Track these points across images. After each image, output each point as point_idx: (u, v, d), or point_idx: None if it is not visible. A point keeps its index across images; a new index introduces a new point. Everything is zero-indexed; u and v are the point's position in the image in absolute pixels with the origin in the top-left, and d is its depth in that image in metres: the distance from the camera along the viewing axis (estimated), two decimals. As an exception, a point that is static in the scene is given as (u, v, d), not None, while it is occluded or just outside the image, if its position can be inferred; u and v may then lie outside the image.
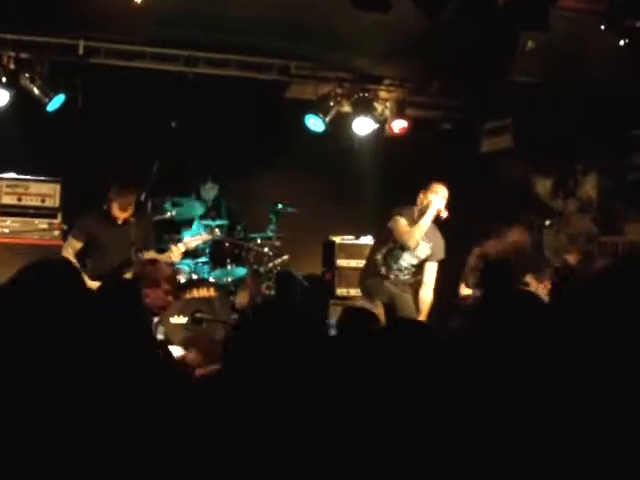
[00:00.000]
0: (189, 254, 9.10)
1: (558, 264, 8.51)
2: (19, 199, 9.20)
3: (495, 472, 2.51)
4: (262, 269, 9.82)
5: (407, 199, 8.31)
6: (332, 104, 9.99)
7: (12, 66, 8.84)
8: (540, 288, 7.57)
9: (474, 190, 9.48)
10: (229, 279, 9.63)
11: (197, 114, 9.77)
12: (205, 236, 8.90)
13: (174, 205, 9.37)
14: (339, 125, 10.19)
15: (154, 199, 9.33)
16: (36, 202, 9.26)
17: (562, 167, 10.12)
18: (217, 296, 8.80)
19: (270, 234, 9.98)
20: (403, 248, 8.09)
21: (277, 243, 9.98)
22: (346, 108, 10.14)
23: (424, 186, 8.17)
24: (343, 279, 10.52)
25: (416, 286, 8.36)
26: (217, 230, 9.40)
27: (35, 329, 2.80)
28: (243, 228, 9.95)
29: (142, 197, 9.03)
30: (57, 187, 9.33)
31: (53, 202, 9.31)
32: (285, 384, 2.78)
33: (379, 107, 10.25)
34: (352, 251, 10.59)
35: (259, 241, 9.92)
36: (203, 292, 8.78)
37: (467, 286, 8.51)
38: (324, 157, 10.41)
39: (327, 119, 9.95)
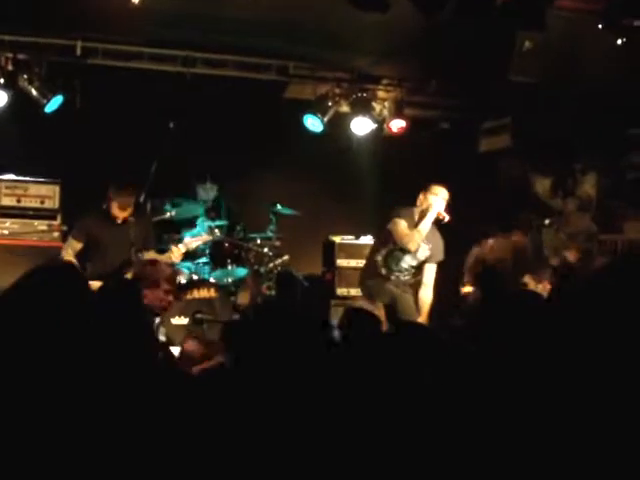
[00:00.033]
0: (189, 255, 9.10)
1: (557, 262, 8.50)
2: (18, 200, 9.20)
3: (496, 472, 2.51)
4: (262, 269, 9.82)
5: (406, 198, 8.31)
6: (330, 104, 9.99)
7: (10, 67, 8.84)
8: (539, 288, 7.57)
9: (472, 190, 9.48)
10: (230, 280, 9.62)
11: (195, 114, 9.76)
12: (205, 237, 8.90)
13: (173, 206, 9.38)
14: (337, 125, 10.19)
15: (153, 200, 9.33)
16: (35, 203, 9.26)
17: (561, 166, 10.13)
18: (218, 297, 8.81)
19: (270, 234, 9.98)
20: (403, 250, 8.10)
21: (277, 243, 9.98)
22: (344, 108, 10.14)
23: (424, 187, 8.17)
24: (343, 279, 10.52)
25: (416, 286, 8.37)
26: (217, 231, 9.39)
27: (40, 332, 2.80)
28: (243, 228, 9.95)
29: (141, 198, 9.04)
30: (56, 188, 9.33)
31: (52, 203, 9.31)
32: (286, 384, 2.79)
33: (377, 107, 10.25)
34: (352, 251, 10.59)
35: (259, 241, 9.91)
36: (204, 293, 8.78)
37: (466, 284, 8.51)
38: (323, 157, 10.41)
39: (325, 119, 9.95)
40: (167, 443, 2.72)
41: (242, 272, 9.70)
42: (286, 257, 9.90)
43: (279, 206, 9.94)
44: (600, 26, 7.56)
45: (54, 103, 8.98)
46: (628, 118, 9.16)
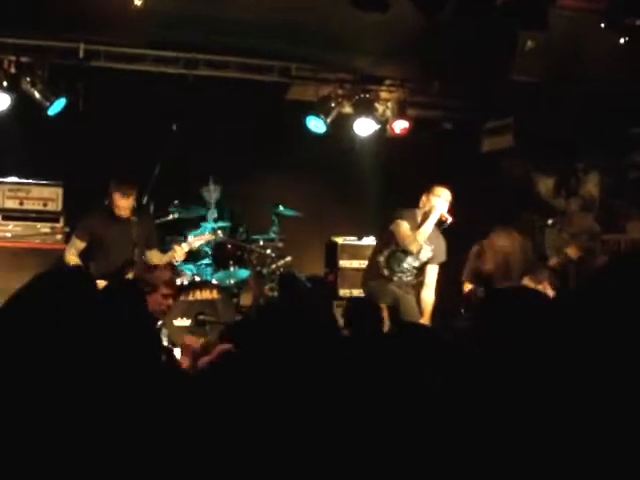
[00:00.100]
0: (192, 256, 9.11)
1: (557, 261, 8.49)
2: (21, 203, 9.21)
3: (500, 473, 2.51)
4: (265, 271, 9.82)
5: (409, 199, 8.30)
6: (333, 105, 9.98)
7: (13, 70, 8.83)
8: (539, 289, 7.55)
9: (475, 190, 9.48)
10: (232, 281, 9.63)
11: (198, 116, 9.76)
12: (208, 236, 8.90)
13: (176, 207, 9.39)
14: (340, 126, 10.18)
15: (156, 201, 9.34)
16: (38, 206, 9.27)
17: (563, 166, 10.12)
18: (220, 298, 8.82)
19: (272, 236, 9.97)
20: (405, 252, 8.09)
21: (280, 245, 9.98)
22: (347, 109, 10.13)
23: (426, 189, 8.15)
24: (346, 280, 10.52)
25: (419, 287, 8.37)
26: (219, 232, 9.39)
27: (51, 335, 2.80)
28: (245, 230, 9.94)
29: (144, 199, 9.05)
30: (59, 191, 9.35)
31: (55, 206, 9.32)
32: (288, 385, 2.78)
33: (380, 108, 10.25)
34: (354, 252, 10.60)
35: (261, 243, 9.92)
36: (206, 294, 8.79)
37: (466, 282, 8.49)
38: (325, 158, 10.41)
39: (328, 120, 9.94)
40: (172, 444, 2.72)
41: (244, 273, 9.70)
42: (289, 258, 9.90)
43: (281, 207, 9.94)
44: (602, 25, 7.55)
45: (57, 106, 8.99)
46: (630, 117, 9.15)
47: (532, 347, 2.60)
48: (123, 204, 7.92)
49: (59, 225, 9.28)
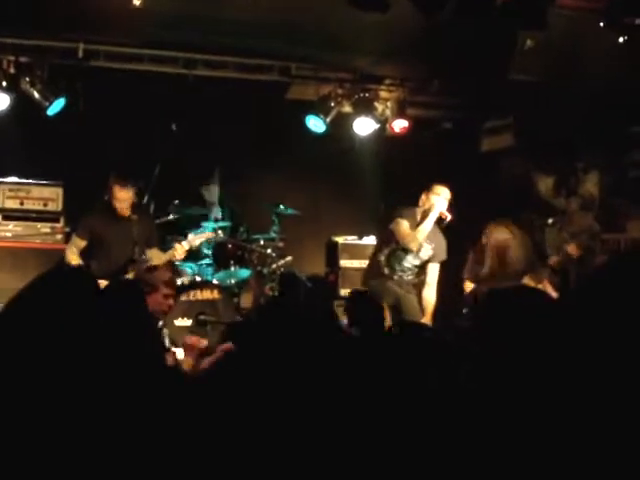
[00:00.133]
0: (193, 254, 9.11)
1: (557, 260, 8.49)
2: (21, 203, 9.22)
3: (499, 473, 2.51)
4: (265, 270, 9.81)
5: (408, 198, 8.32)
6: (333, 104, 9.98)
7: (12, 70, 8.83)
8: (539, 288, 7.55)
9: (475, 189, 9.49)
10: (233, 281, 9.62)
11: (198, 116, 9.77)
12: (209, 234, 8.88)
13: (176, 207, 9.39)
14: (340, 125, 10.18)
15: (156, 201, 9.34)
16: (38, 206, 9.28)
17: (563, 165, 10.12)
18: (221, 298, 8.81)
19: (273, 235, 9.96)
20: (405, 250, 8.10)
21: (280, 244, 9.97)
22: (347, 108, 10.13)
23: (426, 187, 8.17)
24: (347, 279, 10.52)
25: (420, 286, 8.38)
26: (220, 232, 9.39)
27: (55, 335, 2.80)
28: (246, 230, 9.94)
29: (145, 199, 9.05)
30: (59, 191, 9.36)
31: (55, 206, 9.33)
32: (290, 386, 2.78)
33: (380, 107, 10.24)
34: (355, 251, 10.61)
35: (262, 242, 9.90)
36: (207, 294, 8.78)
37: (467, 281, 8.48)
38: (325, 158, 10.42)
39: (328, 120, 9.94)
40: (174, 444, 2.72)
41: (245, 273, 9.70)
42: (289, 258, 9.89)
43: (281, 207, 9.93)
44: (601, 24, 7.55)
45: (56, 106, 8.98)
46: (630, 116, 9.15)
47: (532, 346, 2.60)
48: (122, 195, 7.94)
49: (59, 225, 9.29)
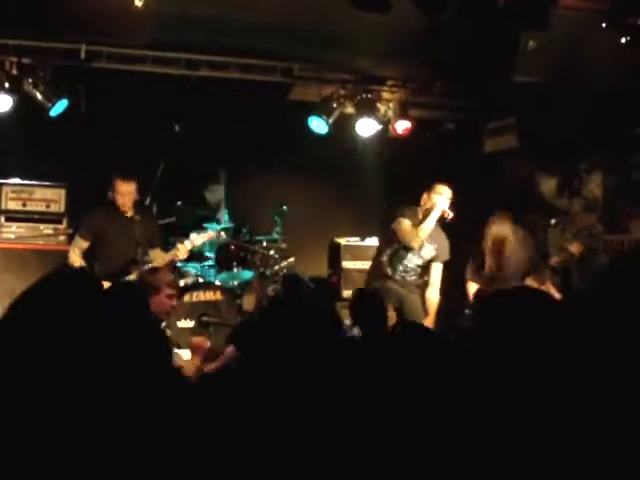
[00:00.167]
0: (195, 255, 9.11)
1: (559, 260, 8.48)
2: (24, 205, 9.23)
3: (499, 473, 2.50)
4: (268, 272, 9.81)
5: (411, 199, 8.33)
6: (335, 106, 9.97)
7: (15, 71, 8.83)
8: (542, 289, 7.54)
9: (477, 190, 9.48)
10: (235, 282, 9.62)
11: (200, 117, 9.78)
12: (211, 233, 8.88)
13: (179, 208, 9.40)
14: (342, 126, 10.17)
15: (159, 202, 9.35)
16: (41, 207, 9.29)
17: (566, 166, 10.11)
18: (223, 299, 8.82)
19: (276, 237, 9.96)
20: (407, 249, 8.11)
21: (283, 245, 9.96)
22: (349, 109, 10.12)
23: (427, 187, 8.19)
24: (349, 281, 10.52)
25: (423, 287, 8.39)
26: (222, 233, 9.39)
27: (59, 336, 2.80)
28: (248, 231, 9.93)
29: (147, 200, 9.06)
30: (62, 192, 9.37)
31: (58, 207, 9.34)
32: (292, 389, 2.78)
33: (382, 108, 10.23)
34: (358, 253, 10.60)
35: (265, 244, 9.90)
36: (209, 295, 8.79)
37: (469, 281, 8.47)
38: (328, 159, 10.41)
39: (330, 121, 9.93)
40: (175, 447, 2.72)
41: (248, 275, 9.70)
42: (292, 259, 9.89)
43: (284, 207, 9.91)
44: (604, 25, 7.55)
45: (59, 107, 8.98)
46: (633, 117, 9.14)
47: (535, 347, 2.60)
48: (124, 189, 8.00)
49: (62, 226, 9.30)
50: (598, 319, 2.53)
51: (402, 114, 10.18)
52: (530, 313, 2.67)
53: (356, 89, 10.07)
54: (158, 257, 8.09)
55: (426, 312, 8.23)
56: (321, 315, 3.10)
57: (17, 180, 9.32)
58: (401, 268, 8.21)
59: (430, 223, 8.04)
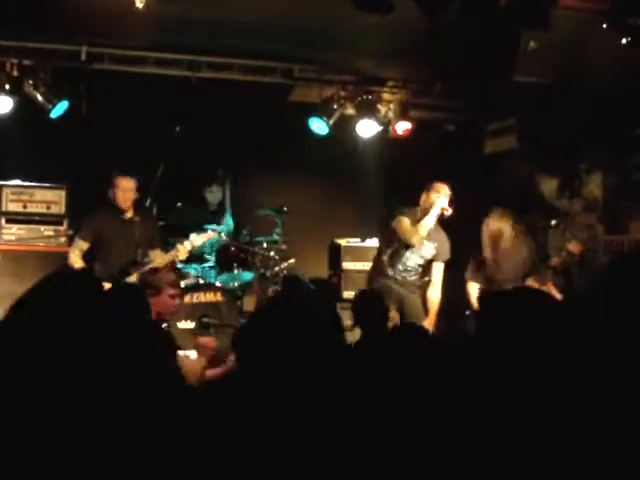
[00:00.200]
0: (195, 255, 9.10)
1: (559, 260, 8.47)
2: (24, 206, 9.23)
3: (499, 473, 2.50)
4: (269, 273, 9.79)
5: (411, 200, 8.33)
6: (336, 107, 9.98)
7: (15, 73, 8.83)
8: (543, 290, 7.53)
9: (478, 191, 9.48)
10: (236, 284, 9.61)
11: (201, 118, 9.78)
12: (211, 233, 8.85)
13: (179, 209, 9.39)
14: (343, 127, 10.17)
15: (159, 203, 9.34)
16: (41, 209, 9.29)
17: (567, 167, 10.11)
18: (224, 301, 8.81)
19: (276, 238, 9.96)
20: (407, 247, 8.12)
21: (283, 247, 9.96)
22: (350, 110, 10.12)
23: (426, 187, 8.20)
24: (350, 282, 10.51)
25: (424, 288, 8.39)
26: (223, 234, 9.39)
27: (56, 339, 2.80)
28: (249, 232, 9.93)
29: (147, 201, 9.06)
30: (62, 194, 9.36)
31: (59, 209, 9.34)
32: (294, 386, 2.78)
33: (383, 109, 10.24)
34: (358, 254, 10.59)
35: (265, 245, 9.88)
36: (210, 297, 8.78)
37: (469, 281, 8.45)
38: (328, 160, 10.41)
39: (331, 122, 9.93)
40: (176, 450, 2.72)
41: (248, 276, 9.69)
42: (292, 260, 9.88)
43: (285, 208, 9.91)
44: (605, 26, 7.55)
45: (60, 108, 8.98)
46: (633, 118, 9.14)
47: (535, 348, 2.60)
48: (125, 184, 8.03)
49: (63, 228, 9.30)
50: (598, 319, 2.53)
51: (402, 115, 10.18)
52: (530, 313, 2.67)
53: (357, 90, 10.07)
54: (158, 258, 8.09)
55: (427, 312, 8.23)
56: (321, 316, 3.09)
57: (17, 182, 9.31)
58: (401, 267, 8.22)
59: (429, 220, 8.04)
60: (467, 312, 8.33)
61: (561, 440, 2.38)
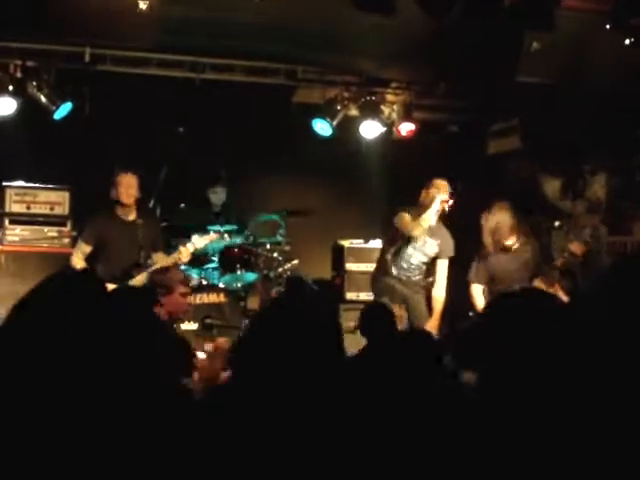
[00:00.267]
0: (198, 258, 9.10)
1: (562, 261, 8.47)
2: (28, 207, 9.24)
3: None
4: (272, 274, 9.79)
5: (415, 201, 8.32)
6: (339, 108, 9.98)
7: (19, 74, 8.84)
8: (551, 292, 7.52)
9: (481, 192, 9.47)
10: (239, 285, 9.60)
11: (204, 119, 9.79)
12: (213, 235, 8.84)
13: (183, 211, 9.40)
14: (346, 129, 10.17)
15: (162, 205, 9.35)
16: (45, 210, 9.30)
17: (570, 167, 10.10)
18: (227, 302, 8.82)
19: (279, 239, 9.95)
20: (410, 243, 8.13)
21: (287, 248, 9.96)
22: (353, 112, 10.12)
23: (426, 184, 8.22)
24: (353, 283, 10.51)
25: (429, 288, 8.40)
26: (226, 235, 9.39)
27: (59, 339, 2.80)
28: (252, 233, 9.93)
29: (151, 203, 9.07)
30: (66, 195, 9.38)
31: (62, 210, 9.35)
32: (295, 388, 2.77)
33: (386, 110, 10.23)
34: (361, 255, 10.59)
35: (268, 246, 9.88)
36: (213, 298, 8.78)
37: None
38: (332, 161, 10.41)
39: (334, 123, 9.93)
40: (177, 454, 2.71)
41: (251, 277, 9.68)
42: (295, 261, 9.87)
43: (287, 210, 9.92)
44: (608, 26, 7.54)
45: (63, 110, 8.99)
46: (637, 118, 9.13)
47: (538, 350, 2.59)
48: (127, 180, 8.03)
49: (66, 229, 9.31)
50: (601, 321, 2.53)
51: (406, 116, 10.18)
52: (536, 315, 2.66)
53: (360, 91, 10.07)
54: (161, 260, 8.09)
55: (431, 312, 8.24)
56: (324, 317, 3.08)
57: (21, 183, 9.32)
58: (405, 266, 8.23)
59: (431, 213, 8.05)
60: (470, 313, 8.33)
61: (568, 441, 2.38)
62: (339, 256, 10.73)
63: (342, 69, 9.97)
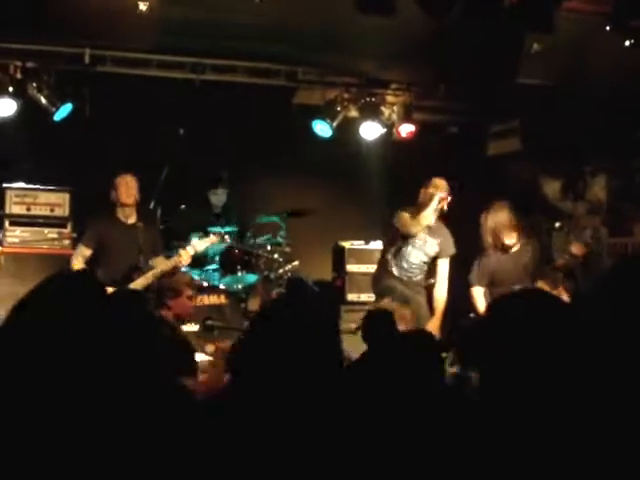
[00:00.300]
0: (198, 260, 9.10)
1: (563, 262, 8.47)
2: (28, 209, 9.23)
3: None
4: (272, 275, 9.80)
5: (414, 202, 8.33)
6: (339, 109, 9.98)
7: (19, 76, 8.84)
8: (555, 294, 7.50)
9: (481, 193, 9.47)
10: (240, 286, 9.61)
11: (204, 121, 9.79)
12: (213, 238, 8.84)
13: (183, 212, 9.40)
14: (346, 130, 10.17)
15: (163, 206, 9.34)
16: (45, 211, 9.29)
17: (570, 169, 10.11)
18: (228, 303, 8.82)
19: (280, 240, 9.96)
20: (409, 241, 8.14)
21: (287, 249, 9.96)
22: (353, 113, 10.12)
23: (424, 183, 8.24)
24: (353, 284, 10.52)
25: (430, 289, 8.40)
26: (227, 237, 9.38)
27: (58, 340, 2.79)
28: (252, 234, 9.93)
29: (151, 205, 9.06)
30: (66, 196, 9.37)
31: (62, 211, 9.35)
32: (296, 390, 2.77)
33: (386, 111, 10.24)
34: (362, 256, 10.59)
35: (269, 247, 9.89)
36: (214, 299, 8.79)
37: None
38: (332, 162, 10.41)
39: (334, 124, 9.94)
40: (177, 456, 2.71)
41: (252, 278, 9.69)
42: (296, 263, 9.88)
43: (287, 212, 9.92)
44: (608, 28, 7.54)
45: (63, 111, 8.99)
46: (637, 120, 9.13)
47: (539, 350, 2.59)
48: (126, 181, 8.02)
49: (66, 230, 9.31)
50: (602, 322, 2.52)
51: (406, 117, 10.18)
52: (537, 315, 2.66)
53: (360, 92, 10.07)
54: (160, 264, 8.09)
55: (433, 312, 8.24)
56: (325, 319, 3.07)
57: (21, 184, 9.32)
58: (406, 265, 8.24)
59: (429, 211, 8.08)
60: (471, 314, 8.32)
61: (570, 441, 2.37)
62: (340, 257, 10.73)
63: (342, 70, 9.97)
